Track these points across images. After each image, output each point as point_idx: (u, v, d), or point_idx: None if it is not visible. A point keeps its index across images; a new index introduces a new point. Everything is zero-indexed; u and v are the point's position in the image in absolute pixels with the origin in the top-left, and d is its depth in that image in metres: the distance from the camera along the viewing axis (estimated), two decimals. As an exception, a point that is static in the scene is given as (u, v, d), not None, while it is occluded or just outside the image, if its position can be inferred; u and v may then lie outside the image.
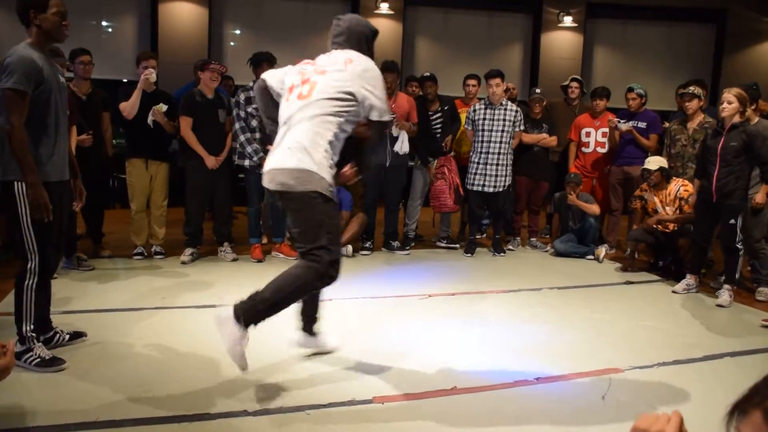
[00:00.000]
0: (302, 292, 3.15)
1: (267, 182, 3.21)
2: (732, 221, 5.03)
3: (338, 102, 3.17)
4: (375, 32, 3.44)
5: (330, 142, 3.17)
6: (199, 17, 9.62)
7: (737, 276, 5.22)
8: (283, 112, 3.25)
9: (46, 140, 3.30)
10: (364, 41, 3.35)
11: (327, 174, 3.12)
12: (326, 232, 3.10)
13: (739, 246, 5.05)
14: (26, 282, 3.31)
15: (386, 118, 3.32)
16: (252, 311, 3.03)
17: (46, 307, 3.60)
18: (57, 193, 3.35)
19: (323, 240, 3.08)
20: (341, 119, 3.20)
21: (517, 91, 8.15)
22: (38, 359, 3.30)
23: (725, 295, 5.09)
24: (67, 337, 3.68)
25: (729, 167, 4.99)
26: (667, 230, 5.92)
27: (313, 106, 3.15)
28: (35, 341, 3.37)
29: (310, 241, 3.11)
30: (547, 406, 3.14)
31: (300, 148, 3.09)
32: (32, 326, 3.37)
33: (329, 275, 3.11)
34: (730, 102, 4.93)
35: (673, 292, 5.42)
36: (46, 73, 3.24)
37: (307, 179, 3.07)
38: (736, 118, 4.95)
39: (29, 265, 3.29)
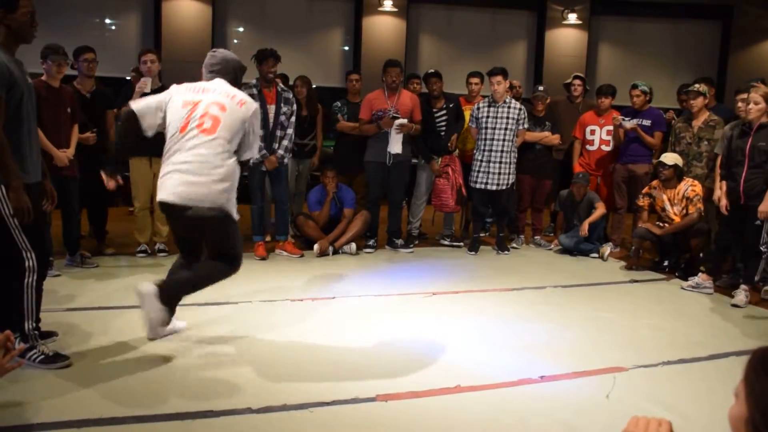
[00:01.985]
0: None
1: (178, 198, 3.54)
2: (758, 222, 4.90)
3: (237, 138, 3.68)
4: (244, 68, 4.00)
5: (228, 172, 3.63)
6: (203, 15, 9.62)
7: (757, 278, 5.18)
8: (186, 143, 3.57)
9: (20, 143, 3.25)
10: (238, 73, 3.90)
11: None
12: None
13: (763, 249, 4.93)
14: (26, 280, 3.28)
15: (253, 159, 3.78)
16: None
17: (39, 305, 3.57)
18: (33, 195, 3.30)
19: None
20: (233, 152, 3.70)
21: (523, 89, 8.12)
22: (42, 356, 3.30)
23: (741, 295, 5.03)
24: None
25: (757, 168, 4.89)
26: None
27: (219, 140, 3.59)
28: (38, 338, 3.37)
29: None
30: (551, 405, 3.13)
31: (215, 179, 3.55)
32: (34, 324, 3.36)
33: None
34: (756, 102, 4.84)
35: (682, 288, 5.41)
36: (16, 76, 3.18)
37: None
38: (764, 119, 4.87)
39: (27, 264, 3.25)
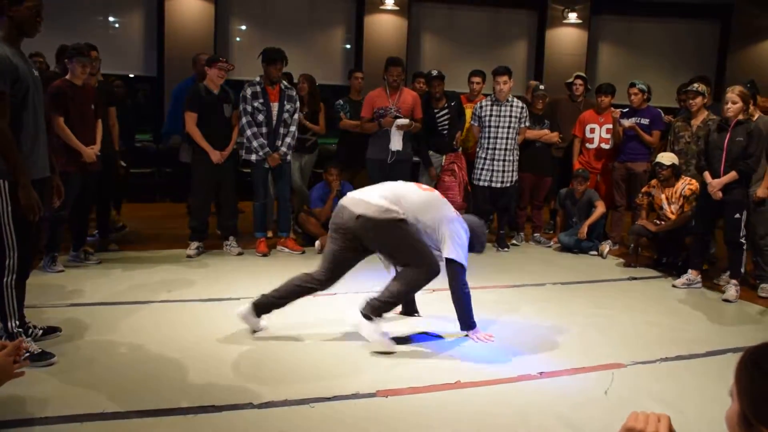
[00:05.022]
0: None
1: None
2: (737, 215, 5.08)
3: None
4: None
5: None
6: (206, 13, 9.63)
7: (742, 271, 5.25)
8: None
9: (26, 138, 3.25)
10: None
11: None
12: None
13: (743, 241, 5.11)
14: (5, 279, 3.26)
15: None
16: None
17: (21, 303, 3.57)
18: (38, 190, 3.31)
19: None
20: None
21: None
22: (27, 354, 3.29)
23: (732, 290, 5.12)
24: (41, 332, 3.62)
25: (734, 163, 5.04)
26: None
27: None
28: (23, 336, 3.35)
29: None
30: (550, 401, 3.17)
31: None
32: (17, 322, 3.36)
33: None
34: (734, 102, 5.02)
35: (673, 286, 5.45)
36: (21, 70, 3.17)
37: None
38: (740, 116, 5.04)
39: (7, 262, 3.23)
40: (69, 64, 4.97)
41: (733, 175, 5.05)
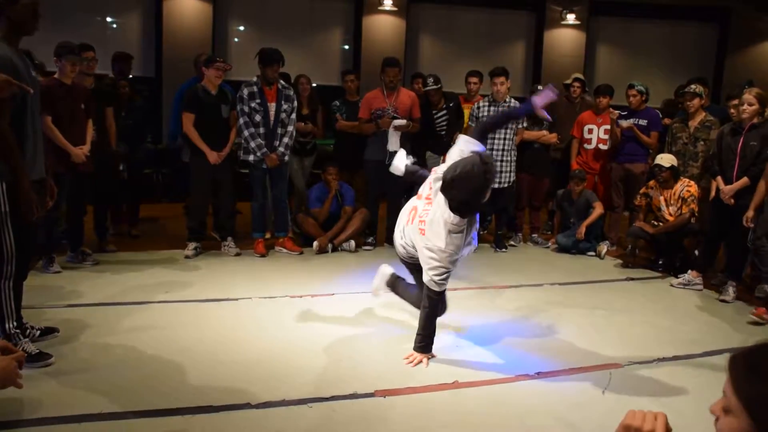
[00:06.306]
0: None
1: None
2: None
3: None
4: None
5: None
6: (204, 13, 9.64)
7: (743, 274, 5.26)
8: None
9: (25, 139, 3.24)
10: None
11: None
12: None
13: (749, 245, 5.07)
14: (3, 280, 3.26)
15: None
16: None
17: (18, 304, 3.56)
18: (35, 191, 3.29)
19: None
20: None
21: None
22: (25, 355, 3.28)
23: (729, 290, 5.12)
24: (38, 333, 3.62)
25: (748, 168, 4.98)
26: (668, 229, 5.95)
27: None
28: (20, 337, 3.36)
29: None
30: (547, 400, 3.18)
31: None
32: (15, 323, 3.36)
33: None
34: (750, 104, 4.94)
35: (671, 286, 5.47)
36: (20, 70, 3.16)
37: None
38: (756, 119, 4.97)
39: (5, 264, 3.23)
40: (58, 62, 4.93)
41: (744, 181, 4.97)
